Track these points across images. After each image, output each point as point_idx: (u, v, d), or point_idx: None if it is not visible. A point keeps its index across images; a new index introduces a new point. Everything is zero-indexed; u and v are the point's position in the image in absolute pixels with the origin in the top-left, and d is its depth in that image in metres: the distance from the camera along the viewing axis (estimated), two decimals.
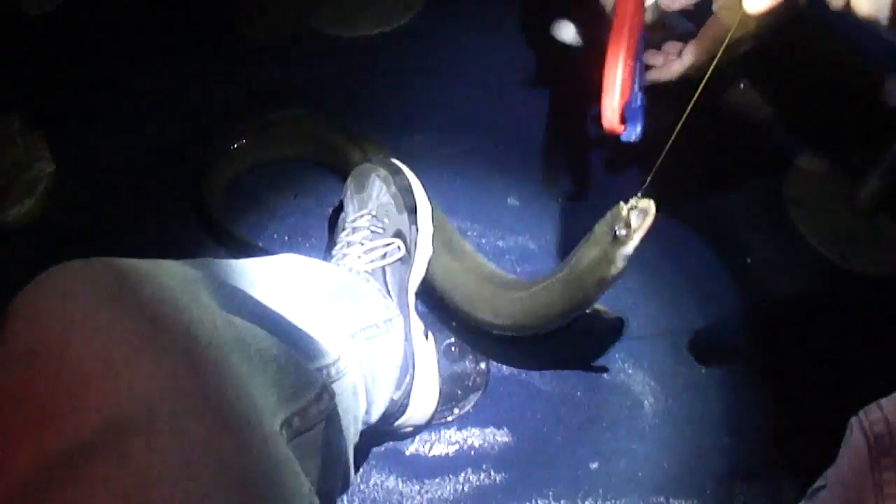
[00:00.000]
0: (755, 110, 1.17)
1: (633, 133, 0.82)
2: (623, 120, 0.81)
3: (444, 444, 0.95)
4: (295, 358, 0.60)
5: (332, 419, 0.62)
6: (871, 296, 1.04)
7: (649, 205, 0.79)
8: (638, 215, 0.80)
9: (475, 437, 0.95)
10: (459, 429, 0.95)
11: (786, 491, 0.91)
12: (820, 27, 1.09)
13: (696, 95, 0.75)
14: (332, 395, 0.63)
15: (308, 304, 0.76)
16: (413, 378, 0.88)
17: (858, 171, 1.08)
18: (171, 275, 0.55)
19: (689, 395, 0.98)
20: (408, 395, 0.88)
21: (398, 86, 1.19)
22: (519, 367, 0.99)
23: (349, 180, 0.98)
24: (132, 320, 0.47)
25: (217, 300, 0.57)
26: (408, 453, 0.94)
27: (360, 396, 0.76)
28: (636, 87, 0.82)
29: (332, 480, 0.65)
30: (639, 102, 0.82)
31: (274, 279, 0.75)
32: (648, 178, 0.78)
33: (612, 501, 0.91)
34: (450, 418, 0.95)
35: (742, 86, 1.16)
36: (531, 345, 1.00)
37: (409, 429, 0.92)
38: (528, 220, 1.07)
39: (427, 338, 0.93)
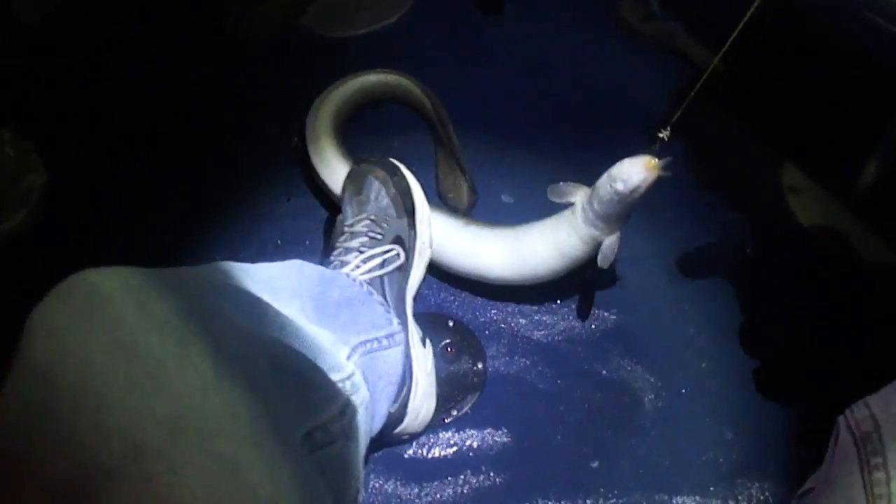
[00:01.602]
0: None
1: None
2: None
3: (442, 446, 0.94)
4: (321, 372, 0.59)
5: (351, 436, 0.61)
6: (870, 284, 1.03)
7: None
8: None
9: (474, 438, 0.94)
10: (458, 430, 0.94)
11: (790, 486, 0.89)
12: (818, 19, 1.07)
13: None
14: (355, 411, 0.61)
15: (309, 318, 0.74)
16: (410, 389, 0.87)
17: (856, 159, 1.06)
18: (196, 284, 0.53)
19: (690, 391, 0.97)
20: (404, 406, 0.87)
21: None
22: (517, 367, 0.98)
23: (346, 181, 0.95)
24: (156, 335, 0.45)
25: (241, 311, 0.56)
26: (406, 456, 0.93)
27: (369, 411, 0.74)
28: None
29: (345, 500, 0.63)
30: None
31: (282, 286, 0.73)
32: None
33: (614, 500, 0.90)
34: (448, 420, 0.94)
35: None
36: (529, 342, 0.99)
37: (406, 437, 0.91)
38: (523, 216, 1.05)
39: (425, 345, 0.91)
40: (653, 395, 0.96)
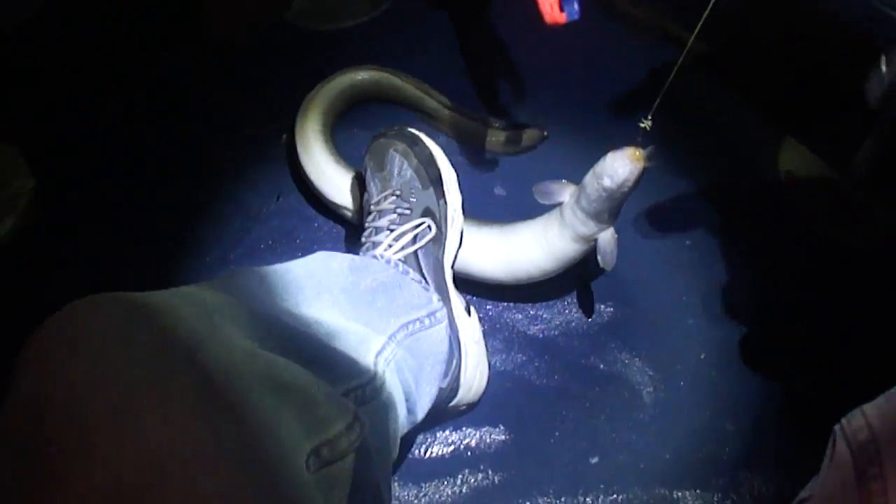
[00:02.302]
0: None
1: (573, 12, 0.81)
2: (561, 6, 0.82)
3: (440, 445, 0.93)
4: (324, 387, 0.58)
5: (363, 448, 0.59)
6: (868, 270, 1.01)
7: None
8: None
9: (471, 437, 0.93)
10: (455, 429, 0.93)
11: (791, 478, 0.88)
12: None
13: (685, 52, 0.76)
14: (364, 425, 0.60)
15: (343, 310, 0.73)
16: (460, 362, 0.85)
17: (851, 142, 1.04)
18: (187, 306, 0.52)
19: (689, 383, 0.95)
20: (456, 378, 0.85)
21: None
22: (513, 363, 0.97)
23: (366, 158, 0.92)
24: (142, 364, 0.45)
25: (240, 327, 0.55)
26: (403, 457, 0.92)
27: (398, 409, 0.73)
28: None
29: None
30: None
31: (306, 285, 0.72)
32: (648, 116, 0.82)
33: (614, 496, 0.89)
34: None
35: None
36: (525, 338, 0.98)
37: (463, 407, 0.89)
38: (515, 209, 1.04)
39: (469, 314, 0.90)
40: (651, 389, 0.95)
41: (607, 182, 0.83)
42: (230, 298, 0.60)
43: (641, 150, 0.82)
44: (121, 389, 0.44)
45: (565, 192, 0.89)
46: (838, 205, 1.06)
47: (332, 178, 1.01)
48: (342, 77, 1.10)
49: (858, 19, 0.92)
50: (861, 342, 0.97)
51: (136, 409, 0.43)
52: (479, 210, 1.04)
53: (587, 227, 0.87)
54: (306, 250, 1.03)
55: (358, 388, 0.65)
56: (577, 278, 1.00)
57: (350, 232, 1.04)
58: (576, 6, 0.81)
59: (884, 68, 0.87)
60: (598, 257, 0.89)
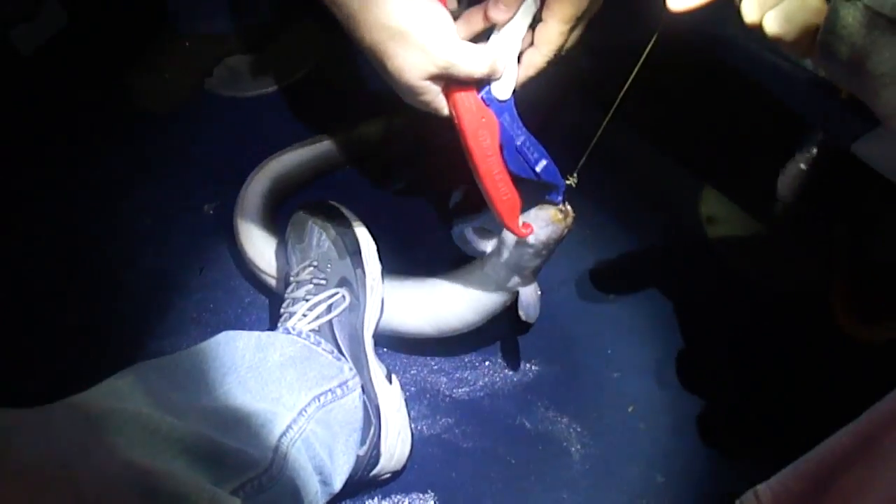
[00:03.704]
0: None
1: (558, 197, 0.80)
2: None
3: None
4: (208, 490, 0.58)
5: None
6: (791, 312, 1.02)
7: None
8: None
9: None
10: (384, 497, 0.92)
11: None
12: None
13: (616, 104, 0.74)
14: None
15: (250, 390, 0.74)
16: (379, 429, 0.86)
17: (771, 187, 1.05)
18: (67, 420, 0.53)
19: (618, 437, 0.96)
20: (376, 446, 0.86)
21: (303, 139, 1.11)
22: (440, 427, 0.96)
23: (288, 231, 0.94)
24: (15, 484, 0.46)
25: (126, 436, 0.56)
26: None
27: (307, 486, 0.73)
28: (534, 161, 0.76)
29: None
30: (545, 168, 0.77)
31: (209, 370, 0.73)
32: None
33: None
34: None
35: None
36: (451, 401, 0.97)
37: (387, 475, 0.90)
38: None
39: (391, 381, 0.91)
40: (580, 445, 0.95)
41: (531, 240, 0.82)
42: (119, 404, 0.60)
43: (565, 208, 0.81)
44: None
45: (488, 243, 0.89)
46: (759, 248, 1.07)
47: (260, 248, 1.01)
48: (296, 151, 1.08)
49: (768, 79, 0.94)
50: (789, 387, 0.97)
51: None
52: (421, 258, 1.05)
53: (509, 280, 0.88)
54: (231, 323, 1.03)
55: (253, 479, 0.66)
56: (501, 338, 1.00)
57: (275, 303, 1.03)
58: (560, 195, 0.80)
59: (801, 166, 0.90)
60: (521, 311, 0.89)
